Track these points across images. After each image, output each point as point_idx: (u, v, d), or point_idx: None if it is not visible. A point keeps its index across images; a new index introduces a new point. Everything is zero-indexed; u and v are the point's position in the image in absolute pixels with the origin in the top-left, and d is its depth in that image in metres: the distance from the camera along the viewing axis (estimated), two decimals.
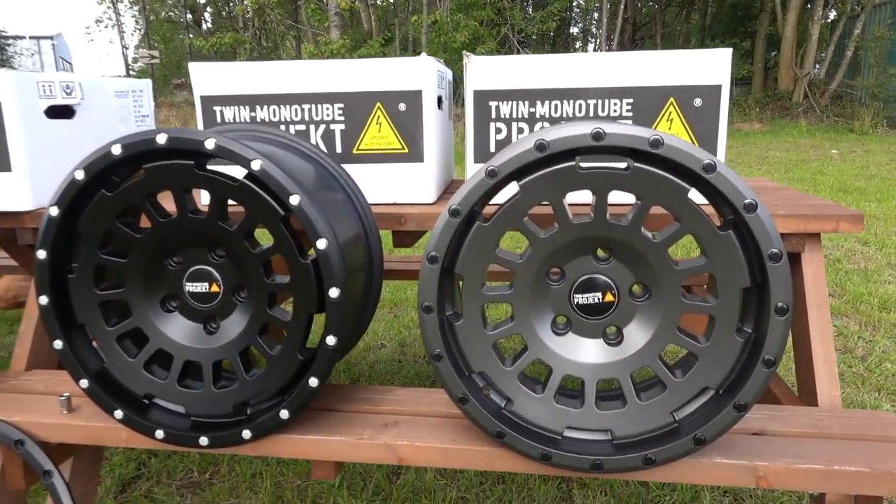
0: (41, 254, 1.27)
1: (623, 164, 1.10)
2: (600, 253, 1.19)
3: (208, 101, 1.73)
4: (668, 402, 1.19)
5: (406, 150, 1.70)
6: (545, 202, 1.14)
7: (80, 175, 1.23)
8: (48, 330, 1.30)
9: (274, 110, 1.71)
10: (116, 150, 1.21)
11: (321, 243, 1.19)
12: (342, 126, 1.70)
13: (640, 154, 1.09)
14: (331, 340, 1.23)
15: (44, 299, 1.29)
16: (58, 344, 1.31)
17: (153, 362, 1.34)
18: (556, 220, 1.15)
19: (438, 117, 1.77)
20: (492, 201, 1.18)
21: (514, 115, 1.65)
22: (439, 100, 1.78)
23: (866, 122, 13.91)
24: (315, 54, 11.01)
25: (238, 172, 1.21)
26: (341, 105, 1.69)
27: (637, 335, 1.20)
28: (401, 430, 1.32)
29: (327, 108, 1.70)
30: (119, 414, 1.32)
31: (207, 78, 1.71)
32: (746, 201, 1.06)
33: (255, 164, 1.18)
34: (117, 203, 1.25)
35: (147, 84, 2.27)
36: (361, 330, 1.52)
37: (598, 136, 1.08)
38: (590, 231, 1.15)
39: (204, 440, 1.30)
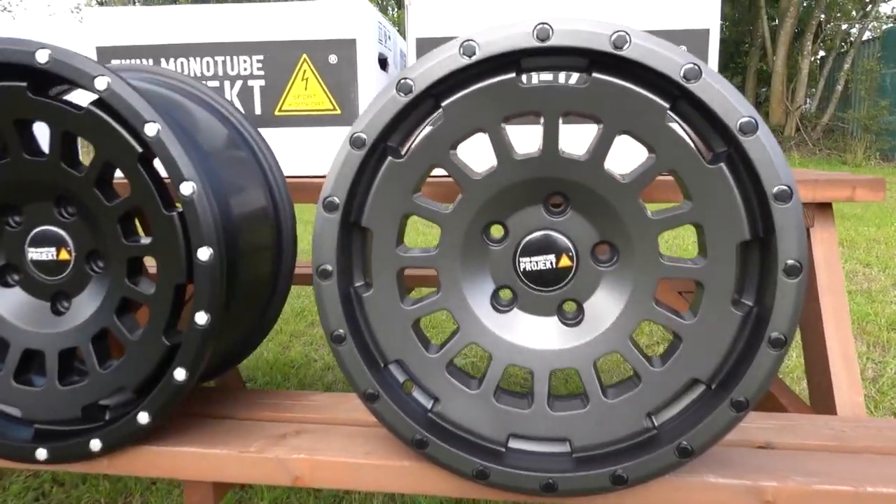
0: None
1: (579, 75, 0.83)
2: (553, 202, 0.91)
3: (106, 53, 1.46)
4: (644, 401, 0.89)
5: (338, 112, 1.43)
6: (477, 130, 0.86)
7: None
8: None
9: (182, 63, 1.44)
10: None
11: (186, 187, 0.91)
12: (262, 82, 1.43)
13: (600, 61, 0.82)
14: (201, 318, 0.93)
15: None
16: None
17: None
18: (495, 155, 0.87)
19: (381, 79, 1.50)
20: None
21: None
22: (382, 61, 1.52)
23: (859, 154, 13.80)
24: None
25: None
26: (260, 57, 1.42)
27: (602, 311, 0.91)
28: (301, 441, 1.02)
29: (244, 61, 1.43)
30: None
31: (104, 25, 1.45)
32: (743, 119, 0.79)
33: (100, 82, 0.90)
34: None
35: None
36: (267, 322, 1.22)
37: (543, 34, 0.80)
38: (538, 171, 0.87)
39: (42, 453, 0.99)
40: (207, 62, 1.44)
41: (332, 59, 1.41)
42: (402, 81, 0.84)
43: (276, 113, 1.44)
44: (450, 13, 1.37)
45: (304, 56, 1.41)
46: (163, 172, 0.94)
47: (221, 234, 0.93)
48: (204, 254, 0.91)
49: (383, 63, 1.53)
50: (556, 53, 0.82)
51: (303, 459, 0.97)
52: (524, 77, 0.84)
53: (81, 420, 1.02)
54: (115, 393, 1.00)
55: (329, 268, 0.89)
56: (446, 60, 0.83)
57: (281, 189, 1.22)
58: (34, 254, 1.02)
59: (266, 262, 1.15)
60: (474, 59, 0.82)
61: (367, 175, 0.88)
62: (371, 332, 0.92)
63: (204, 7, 1.43)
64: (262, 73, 1.43)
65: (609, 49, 0.79)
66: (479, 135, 0.87)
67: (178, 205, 0.94)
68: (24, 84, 0.93)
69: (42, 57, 0.90)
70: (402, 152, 0.89)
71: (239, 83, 1.44)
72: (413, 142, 0.90)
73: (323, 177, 1.46)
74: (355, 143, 0.86)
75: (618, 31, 0.79)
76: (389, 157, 0.87)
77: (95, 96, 0.93)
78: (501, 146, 0.86)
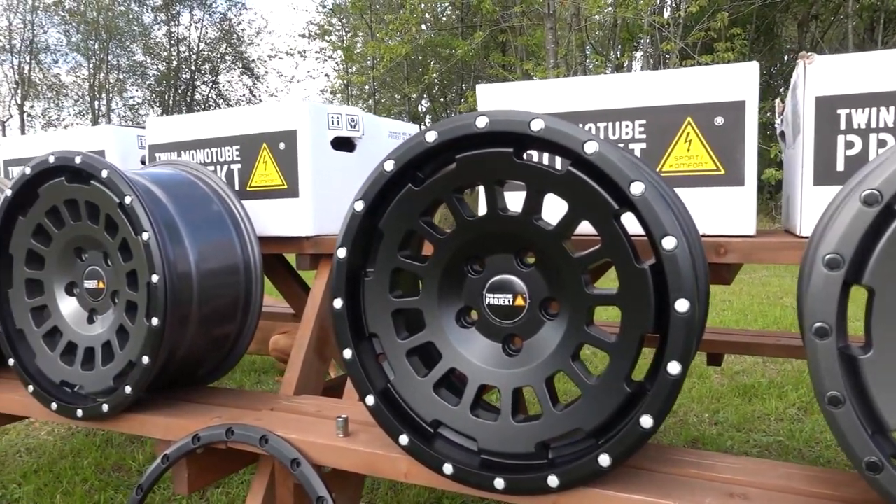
0: (341, 252, 1.18)
1: None
2: None
3: None
4: None
5: (722, 172, 1.44)
6: None
7: (389, 166, 1.14)
8: (339, 337, 1.20)
9: None
10: (431, 136, 1.10)
11: (669, 242, 0.95)
12: (643, 145, 1.49)
13: None
14: (674, 368, 0.96)
15: (338, 303, 1.19)
16: (347, 353, 1.19)
17: (442, 385, 1.17)
18: None
19: (757, 138, 1.49)
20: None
21: (874, 125, 1.32)
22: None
23: None
24: None
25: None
26: (643, 122, 1.49)
27: None
28: None
29: (626, 126, 1.50)
30: (404, 440, 1.15)
31: (493, 98, 1.62)
32: None
33: (590, 147, 0.99)
34: (423, 199, 1.14)
35: (414, 127, 2.29)
36: None
37: None
38: None
39: (499, 483, 1.07)
40: (590, 128, 1.53)
41: (719, 120, 1.43)
42: None
43: None
44: (856, 70, 1.32)
45: (689, 119, 1.45)
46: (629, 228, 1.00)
47: (697, 287, 0.96)
48: (682, 305, 0.95)
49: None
50: None
51: None
52: None
53: (531, 456, 1.09)
54: (569, 434, 1.06)
55: (827, 326, 0.87)
56: None
57: (693, 235, 1.24)
58: (491, 299, 1.14)
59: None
60: None
61: (872, 232, 0.86)
62: (869, 397, 0.87)
63: (589, 78, 1.54)
64: (643, 136, 1.49)
65: None
66: None
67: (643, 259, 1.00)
68: (511, 150, 1.06)
69: (536, 125, 1.02)
70: None
71: (620, 146, 1.51)
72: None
73: (703, 235, 1.46)
74: (867, 200, 0.84)
75: None
76: None
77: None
78: None
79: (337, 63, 25.67)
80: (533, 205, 1.07)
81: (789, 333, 2.42)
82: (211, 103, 29.92)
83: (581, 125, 1.54)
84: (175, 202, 1.58)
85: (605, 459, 1.01)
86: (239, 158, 1.89)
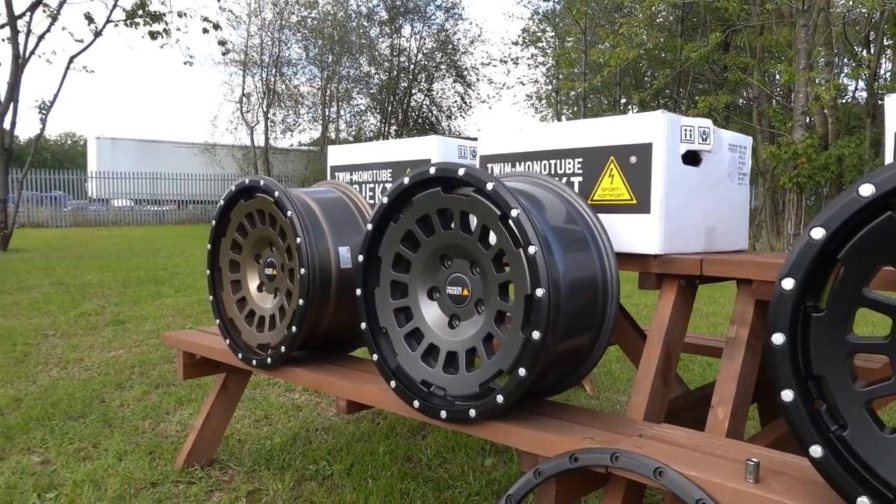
0: (787, 283, 1.07)
1: None
2: None
3: None
4: None
5: None
6: None
7: (866, 191, 1.00)
8: (777, 376, 1.09)
9: None
10: None
11: None
12: None
13: None
14: None
15: (779, 338, 1.08)
16: (787, 395, 1.08)
17: None
18: None
19: None
20: None
21: None
22: None
23: None
24: (777, 154, 10.35)
25: None
26: None
27: None
28: None
29: None
30: (864, 502, 1.01)
31: None
32: None
33: None
34: None
35: (749, 140, 2.11)
36: None
37: None
38: None
39: None
40: None
41: None
42: None
43: None
44: None
45: None
46: None
47: None
48: None
49: None
50: None
51: None
52: None
53: None
54: None
55: None
56: None
57: None
58: None
59: None
60: None
61: None
62: None
63: None
64: None
65: None
66: None
67: None
68: None
69: None
70: None
71: None
72: None
73: None
74: None
75: None
76: None
77: None
78: None
79: (546, 69, 25.71)
80: None
81: None
82: (424, 110, 31.59)
83: None
84: (542, 214, 1.59)
85: None
86: (581, 171, 1.87)
